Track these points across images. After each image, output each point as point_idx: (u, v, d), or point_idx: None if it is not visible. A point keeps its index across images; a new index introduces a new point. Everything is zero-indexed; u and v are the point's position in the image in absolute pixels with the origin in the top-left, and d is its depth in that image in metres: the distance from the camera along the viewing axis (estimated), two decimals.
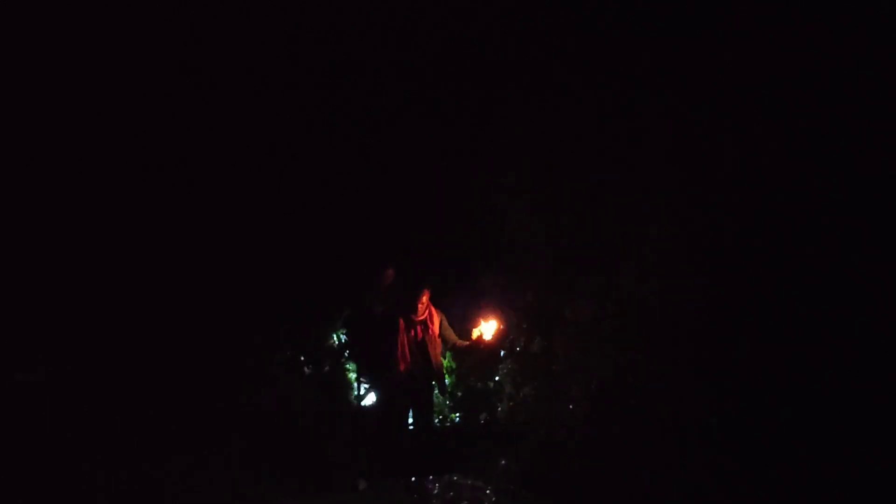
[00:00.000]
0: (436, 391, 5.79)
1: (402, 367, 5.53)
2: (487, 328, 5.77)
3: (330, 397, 6.42)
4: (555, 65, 6.69)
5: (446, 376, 6.11)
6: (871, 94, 5.43)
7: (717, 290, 5.66)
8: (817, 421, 4.89)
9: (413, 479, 5.39)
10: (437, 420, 6.18)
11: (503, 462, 5.24)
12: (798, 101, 5.68)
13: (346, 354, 6.59)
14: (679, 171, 6.09)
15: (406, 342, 5.58)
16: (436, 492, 5.15)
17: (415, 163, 6.98)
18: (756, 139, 5.82)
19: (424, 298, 5.67)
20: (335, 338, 6.75)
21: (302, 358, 6.74)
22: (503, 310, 6.02)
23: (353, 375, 6.44)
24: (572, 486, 5.04)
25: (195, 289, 6.76)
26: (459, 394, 6.34)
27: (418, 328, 5.64)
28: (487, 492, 5.20)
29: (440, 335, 5.78)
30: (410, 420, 5.71)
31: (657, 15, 6.29)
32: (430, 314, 5.74)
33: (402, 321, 5.61)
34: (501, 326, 5.85)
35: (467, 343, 5.83)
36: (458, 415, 6.31)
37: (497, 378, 6.21)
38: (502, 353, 6.32)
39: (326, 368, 6.68)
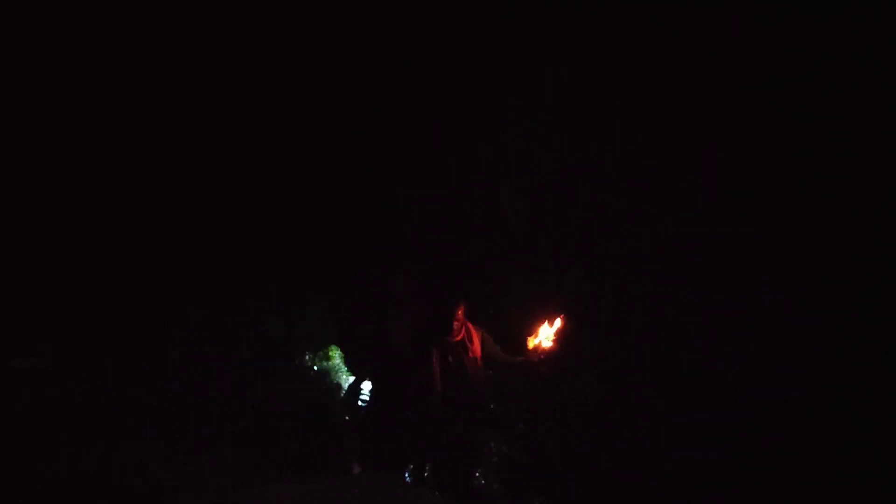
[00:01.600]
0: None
1: (437, 401, 4.70)
2: (549, 332, 4.74)
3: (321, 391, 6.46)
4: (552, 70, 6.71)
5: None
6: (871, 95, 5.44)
7: (715, 287, 5.70)
8: (816, 419, 4.92)
9: (406, 462, 5.36)
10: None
11: (492, 444, 5.25)
12: (797, 102, 5.70)
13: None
14: (674, 169, 6.13)
15: (442, 372, 4.71)
16: (426, 475, 5.15)
17: (415, 165, 7.00)
18: (753, 139, 5.85)
19: (460, 314, 4.75)
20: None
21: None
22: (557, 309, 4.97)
23: (345, 377, 6.45)
24: (562, 470, 5.09)
25: (195, 284, 6.82)
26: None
27: (456, 351, 4.75)
28: (477, 474, 5.22)
29: (483, 354, 4.88)
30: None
31: (651, 15, 6.32)
32: (468, 332, 4.84)
33: (435, 349, 4.73)
34: (562, 326, 4.79)
35: (520, 358, 4.91)
36: None
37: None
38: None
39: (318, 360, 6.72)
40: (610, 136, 6.38)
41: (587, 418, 5.38)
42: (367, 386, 5.76)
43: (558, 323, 4.75)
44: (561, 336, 4.77)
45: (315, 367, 6.67)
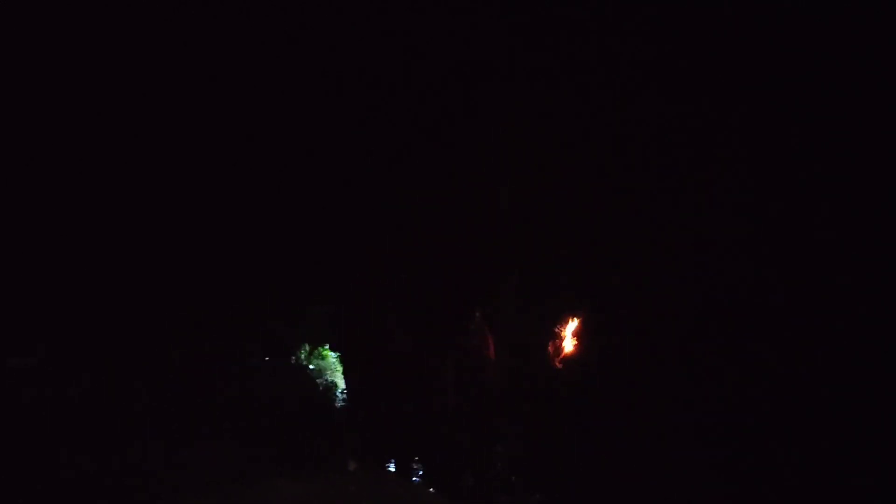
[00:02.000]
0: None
1: (449, 403, 4.74)
2: (569, 334, 4.66)
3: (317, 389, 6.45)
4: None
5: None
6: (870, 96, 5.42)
7: (715, 287, 5.69)
8: (817, 420, 4.91)
9: (402, 460, 5.35)
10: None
11: (492, 444, 5.23)
12: (797, 102, 5.69)
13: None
14: (675, 169, 6.12)
15: (456, 375, 4.78)
16: (422, 472, 5.16)
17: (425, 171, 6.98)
18: (753, 139, 5.84)
19: (477, 319, 4.87)
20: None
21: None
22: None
23: (341, 375, 6.45)
24: (562, 470, 5.08)
25: (195, 284, 6.82)
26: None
27: (470, 355, 4.86)
28: (477, 474, 5.19)
29: (496, 359, 4.92)
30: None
31: (650, 15, 6.31)
32: (484, 336, 4.95)
33: (450, 352, 4.82)
34: (579, 327, 4.69)
35: (531, 363, 4.90)
36: None
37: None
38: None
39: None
40: (610, 136, 6.38)
41: (588, 418, 5.37)
42: (364, 385, 5.78)
43: (574, 325, 4.76)
44: (578, 338, 4.80)
45: (311, 366, 6.68)
